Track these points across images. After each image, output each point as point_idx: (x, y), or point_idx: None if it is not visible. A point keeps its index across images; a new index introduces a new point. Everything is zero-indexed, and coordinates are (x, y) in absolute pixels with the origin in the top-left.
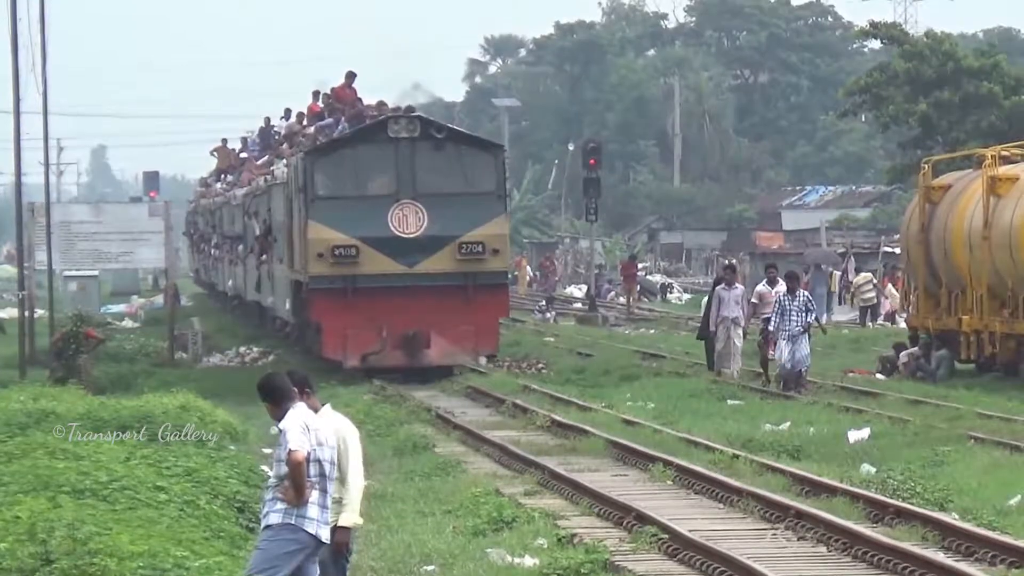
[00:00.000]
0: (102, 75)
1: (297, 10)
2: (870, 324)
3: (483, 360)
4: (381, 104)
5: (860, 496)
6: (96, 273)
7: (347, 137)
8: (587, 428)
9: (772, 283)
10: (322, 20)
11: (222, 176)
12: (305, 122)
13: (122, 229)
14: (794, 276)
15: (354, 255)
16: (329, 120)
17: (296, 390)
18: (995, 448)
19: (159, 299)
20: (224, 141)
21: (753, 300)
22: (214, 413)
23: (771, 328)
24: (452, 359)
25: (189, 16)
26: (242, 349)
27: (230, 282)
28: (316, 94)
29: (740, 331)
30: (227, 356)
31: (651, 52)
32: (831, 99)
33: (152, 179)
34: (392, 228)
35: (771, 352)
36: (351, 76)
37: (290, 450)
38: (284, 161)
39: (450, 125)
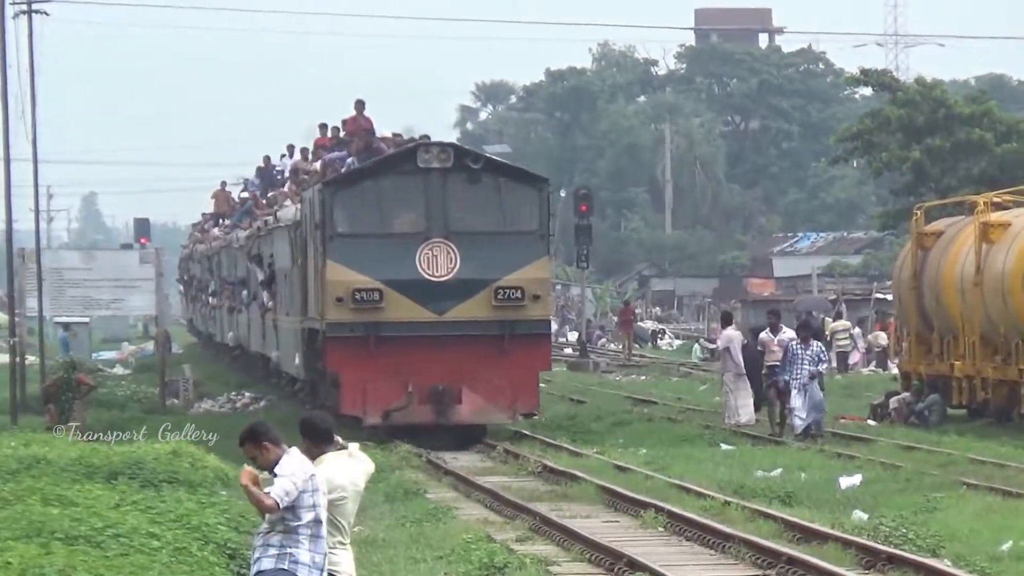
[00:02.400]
0: (92, 123)
1: (286, 55)
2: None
3: (520, 419)
4: (396, 136)
5: (852, 542)
6: (87, 320)
7: (371, 167)
8: (579, 474)
9: (775, 331)
10: (311, 66)
11: (220, 220)
12: (311, 157)
13: (113, 276)
14: (807, 326)
15: (377, 300)
16: (339, 153)
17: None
18: (988, 494)
19: (150, 346)
20: (223, 184)
21: (758, 348)
22: (205, 459)
23: (786, 378)
24: (486, 417)
25: (179, 64)
26: (233, 395)
27: (231, 332)
28: (323, 127)
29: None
30: (218, 402)
31: (642, 99)
32: (822, 146)
33: (143, 226)
34: (420, 270)
35: (791, 401)
36: (361, 104)
37: (271, 496)
38: (288, 201)
39: (487, 154)
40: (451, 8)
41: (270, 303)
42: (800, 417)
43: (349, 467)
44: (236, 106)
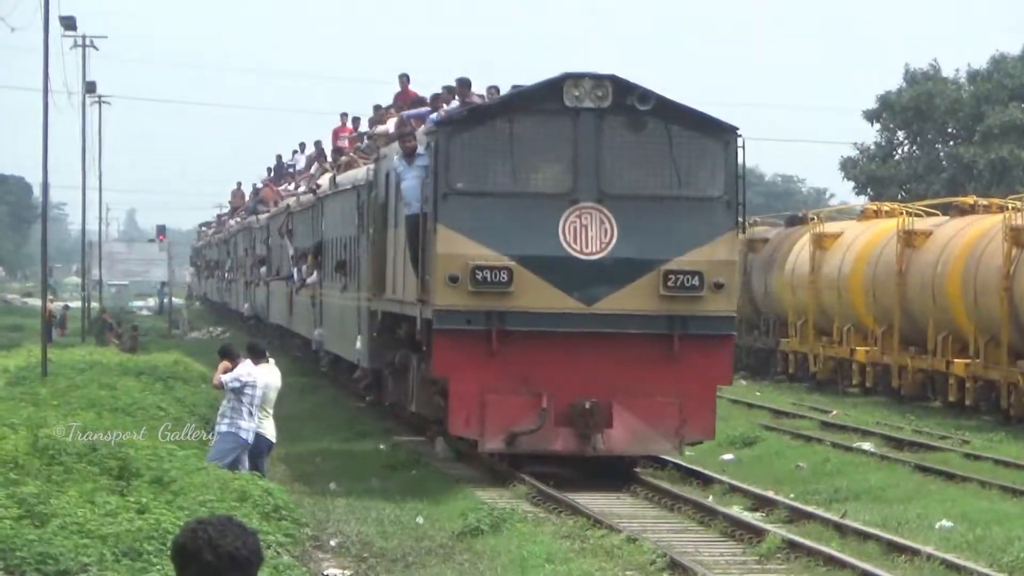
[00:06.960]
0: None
1: (268, 63)
2: None
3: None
4: (491, 90)
5: None
6: (127, 283)
7: (501, 104)
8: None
9: None
10: (292, 73)
11: (234, 213)
12: (357, 136)
13: (143, 257)
14: None
15: (505, 282)
16: (424, 109)
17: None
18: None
19: (153, 302)
20: (239, 184)
21: None
22: (193, 366)
23: None
24: (644, 446)
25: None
26: (210, 329)
27: (247, 303)
28: (344, 116)
29: None
30: (202, 333)
31: None
32: None
33: (162, 229)
34: (564, 244)
35: None
36: (406, 78)
37: (221, 379)
38: (330, 174)
39: (659, 93)
40: (433, 12)
41: (309, 278)
42: None
43: (271, 373)
44: (224, 125)
